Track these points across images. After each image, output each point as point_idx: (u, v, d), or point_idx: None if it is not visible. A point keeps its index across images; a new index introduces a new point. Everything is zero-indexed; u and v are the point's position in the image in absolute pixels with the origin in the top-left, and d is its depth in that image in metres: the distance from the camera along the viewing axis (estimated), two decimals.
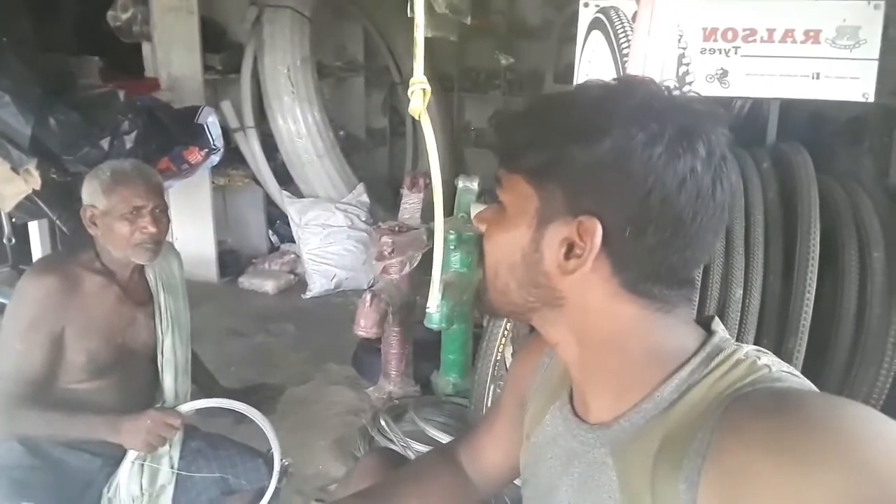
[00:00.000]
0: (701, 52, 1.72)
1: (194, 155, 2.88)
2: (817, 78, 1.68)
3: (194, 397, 1.75)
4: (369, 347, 2.69)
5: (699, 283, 1.46)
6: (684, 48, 1.71)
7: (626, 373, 0.70)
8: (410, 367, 2.59)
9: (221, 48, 3.98)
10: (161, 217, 1.62)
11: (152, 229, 1.57)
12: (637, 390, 0.68)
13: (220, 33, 4.07)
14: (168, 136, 2.63)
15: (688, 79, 1.73)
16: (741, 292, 1.42)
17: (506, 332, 1.52)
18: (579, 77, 1.86)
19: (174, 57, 3.58)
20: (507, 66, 5.47)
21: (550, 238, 0.67)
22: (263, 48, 3.78)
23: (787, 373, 0.65)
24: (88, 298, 1.60)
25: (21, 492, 1.48)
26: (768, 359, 0.66)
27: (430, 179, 1.06)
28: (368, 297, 2.12)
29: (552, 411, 0.82)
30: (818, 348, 1.48)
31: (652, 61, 1.05)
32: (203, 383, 1.95)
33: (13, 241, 2.49)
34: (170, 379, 1.75)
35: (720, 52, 1.70)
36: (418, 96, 1.22)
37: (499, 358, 1.54)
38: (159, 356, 1.74)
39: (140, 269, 1.71)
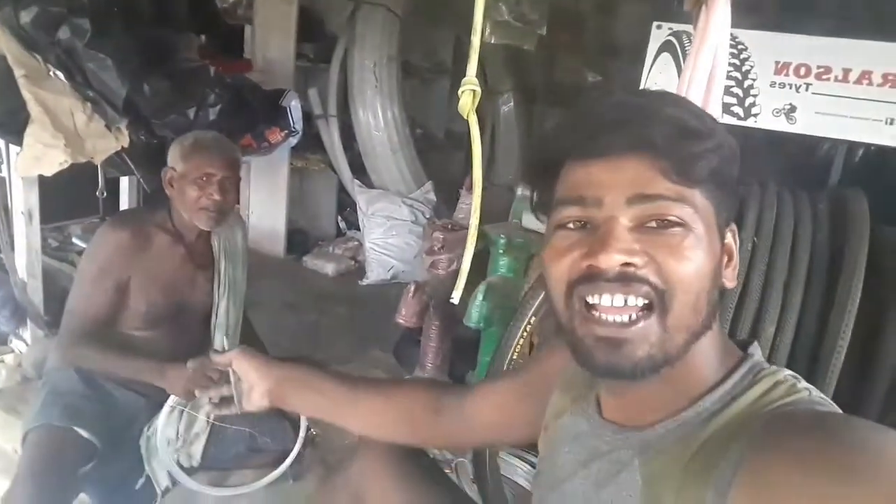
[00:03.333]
0: (770, 86, 1.69)
1: (275, 135, 3.02)
2: (891, 124, 1.62)
3: None
4: (411, 339, 2.75)
5: (731, 316, 1.44)
6: (754, 79, 1.69)
7: (676, 385, 0.69)
8: (447, 364, 2.62)
9: (316, 38, 4.13)
10: (229, 188, 1.73)
11: (217, 197, 1.69)
12: (680, 399, 0.69)
13: (317, 24, 4.22)
14: (252, 114, 2.77)
15: (754, 110, 1.71)
16: (773, 330, 1.39)
17: (524, 334, 1.56)
18: None
19: (271, 41, 3.75)
20: (594, 83, 5.44)
21: (726, 249, 0.68)
22: (354, 42, 3.91)
23: (824, 399, 0.65)
24: (155, 255, 1.73)
25: (73, 416, 1.61)
26: (806, 384, 0.66)
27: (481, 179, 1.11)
28: (412, 287, 2.18)
29: (574, 410, 0.82)
30: (848, 401, 1.43)
31: (695, 87, 1.06)
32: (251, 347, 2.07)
33: (105, 194, 2.68)
34: (220, 339, 1.87)
35: (790, 87, 1.67)
36: (467, 96, 1.27)
37: (515, 358, 1.57)
38: (213, 317, 1.86)
39: (206, 235, 1.83)
